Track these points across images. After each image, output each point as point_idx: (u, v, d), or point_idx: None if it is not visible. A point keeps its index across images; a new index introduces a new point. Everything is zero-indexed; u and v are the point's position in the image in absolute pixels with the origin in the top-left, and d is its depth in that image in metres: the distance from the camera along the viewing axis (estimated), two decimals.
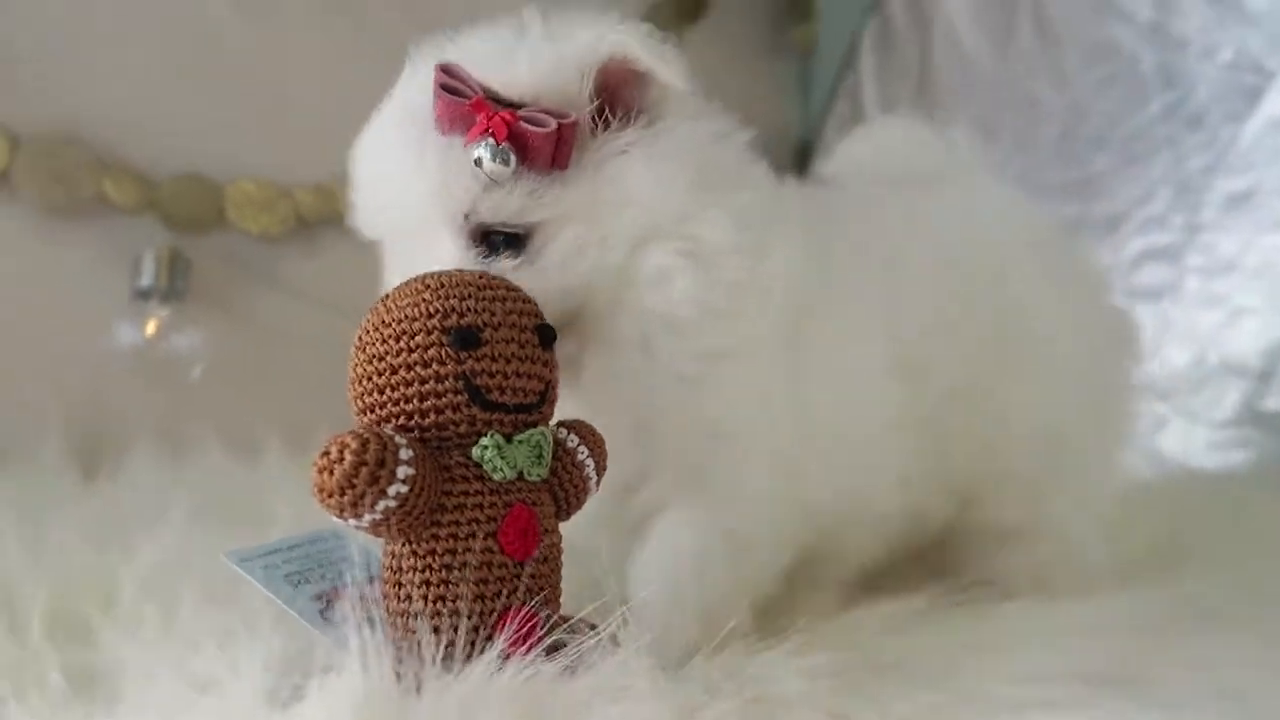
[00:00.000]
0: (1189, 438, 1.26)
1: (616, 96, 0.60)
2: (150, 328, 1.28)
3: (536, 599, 0.53)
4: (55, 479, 1.14)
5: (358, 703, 0.46)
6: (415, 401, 0.53)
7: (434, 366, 0.53)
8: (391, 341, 0.53)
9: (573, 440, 0.57)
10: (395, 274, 0.61)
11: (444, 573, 0.52)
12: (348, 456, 0.49)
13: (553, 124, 0.58)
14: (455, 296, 0.54)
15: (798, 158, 2.00)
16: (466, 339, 0.53)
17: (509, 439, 0.54)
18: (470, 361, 0.53)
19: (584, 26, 0.61)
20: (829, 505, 0.68)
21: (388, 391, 0.53)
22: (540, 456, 0.55)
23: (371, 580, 0.57)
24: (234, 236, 1.37)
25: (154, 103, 1.33)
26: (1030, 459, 0.79)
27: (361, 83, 0.66)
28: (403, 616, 0.52)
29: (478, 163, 0.57)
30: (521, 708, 0.46)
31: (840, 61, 1.86)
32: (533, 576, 0.53)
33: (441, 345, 0.53)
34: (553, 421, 0.57)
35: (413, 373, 0.53)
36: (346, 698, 0.47)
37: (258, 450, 1.28)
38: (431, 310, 0.53)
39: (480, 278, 0.56)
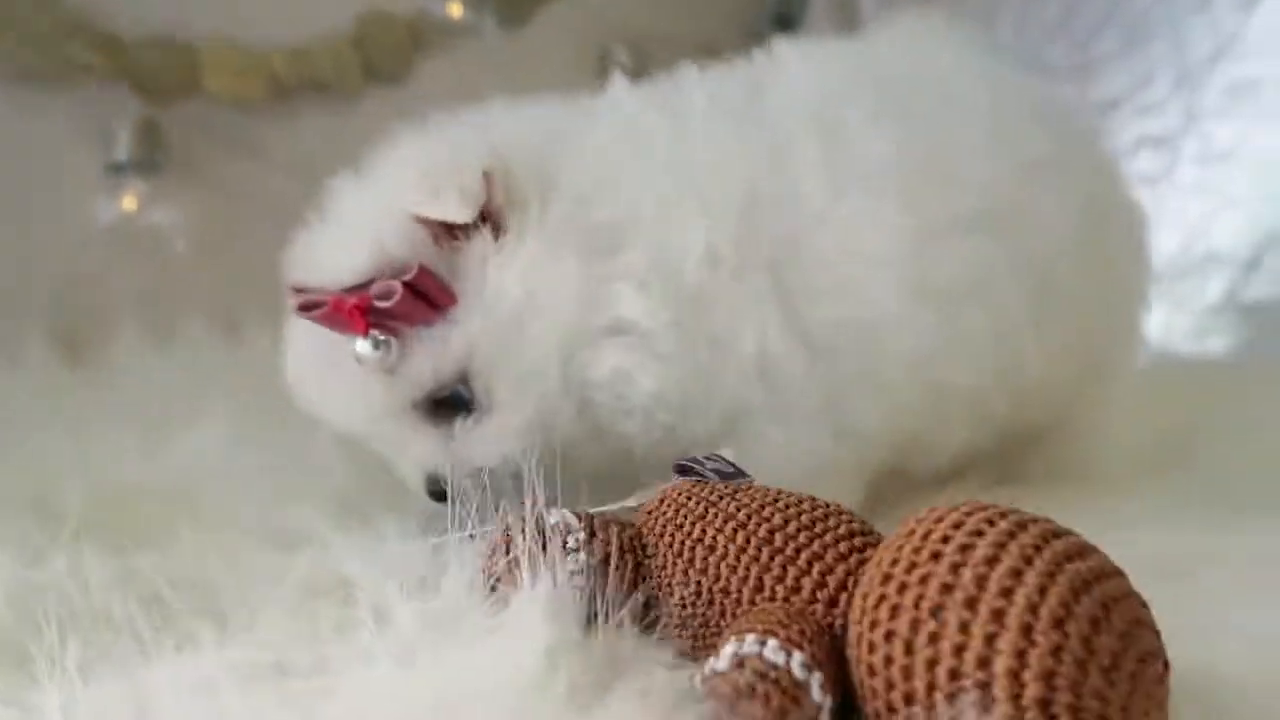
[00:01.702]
0: (1171, 324, 1.30)
1: (443, 231, 0.58)
2: (128, 203, 1.21)
3: None
4: (40, 368, 1.09)
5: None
6: None
7: None
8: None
9: None
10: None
11: None
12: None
13: (398, 287, 0.55)
14: None
15: (778, 30, 1.94)
16: None
17: None
18: None
19: (362, 194, 0.61)
20: (888, 432, 0.66)
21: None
22: None
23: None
24: (209, 105, 1.29)
25: None
26: (1095, 347, 0.77)
27: None
28: None
29: (360, 360, 0.56)
30: None
31: None
32: None
33: None
34: None
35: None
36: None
37: (241, 326, 1.25)
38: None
39: None
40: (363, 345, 0.56)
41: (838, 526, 0.42)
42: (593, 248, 0.59)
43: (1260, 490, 0.76)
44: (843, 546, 0.41)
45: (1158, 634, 0.34)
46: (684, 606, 0.42)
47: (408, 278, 0.56)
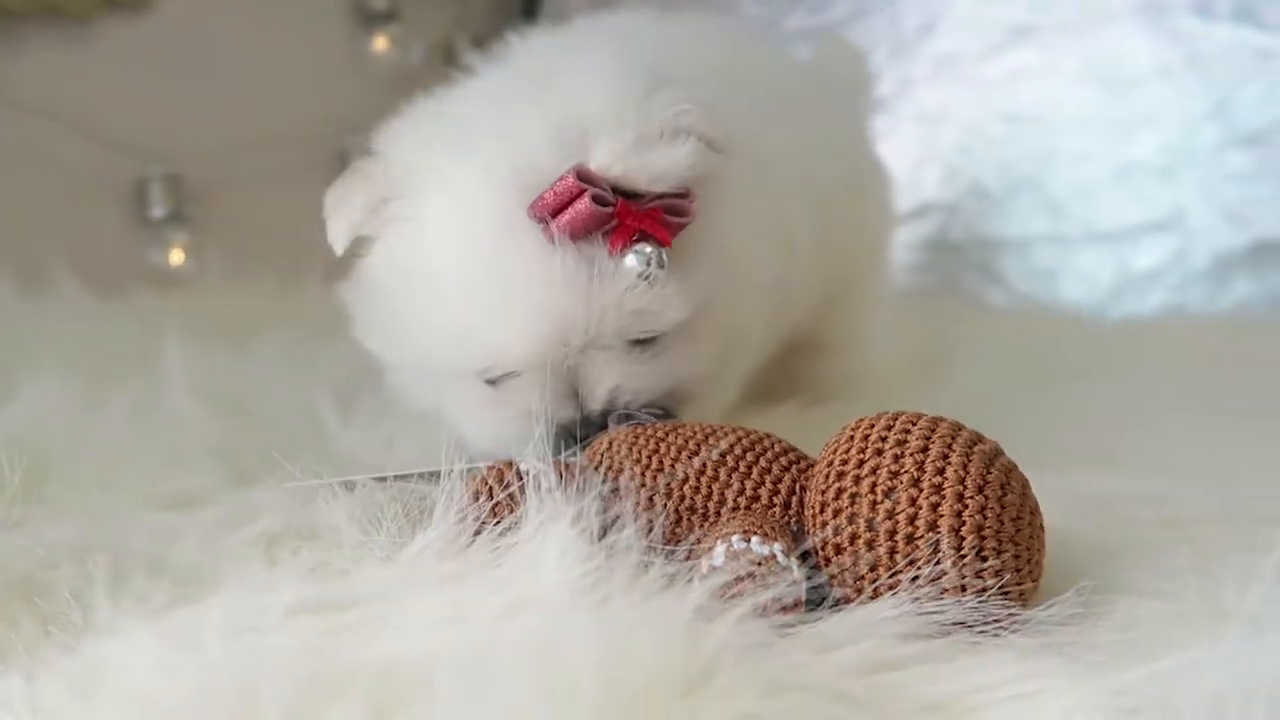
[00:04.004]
0: (894, 263, 1.52)
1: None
2: None
3: None
4: None
5: None
6: None
7: None
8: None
9: None
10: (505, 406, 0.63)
11: None
12: None
13: (691, 209, 0.59)
14: None
15: None
16: None
17: None
18: None
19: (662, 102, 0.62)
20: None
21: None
22: None
23: None
24: None
25: None
26: (855, 275, 0.92)
27: None
28: None
29: (642, 276, 0.58)
30: None
31: None
32: None
33: None
34: None
35: None
36: None
37: None
38: None
39: None
40: (642, 257, 0.58)
41: (772, 446, 0.51)
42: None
43: (991, 399, 0.96)
44: (783, 460, 0.50)
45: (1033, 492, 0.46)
46: (651, 527, 0.48)
47: (690, 202, 0.59)
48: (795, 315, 0.82)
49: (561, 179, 0.58)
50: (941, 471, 0.43)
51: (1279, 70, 1.29)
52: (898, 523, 0.43)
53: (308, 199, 0.68)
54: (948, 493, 0.43)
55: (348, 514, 0.50)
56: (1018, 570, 0.43)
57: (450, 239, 0.60)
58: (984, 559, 0.42)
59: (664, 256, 0.58)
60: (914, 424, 0.46)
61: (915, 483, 0.43)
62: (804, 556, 0.45)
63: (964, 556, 0.42)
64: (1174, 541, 0.57)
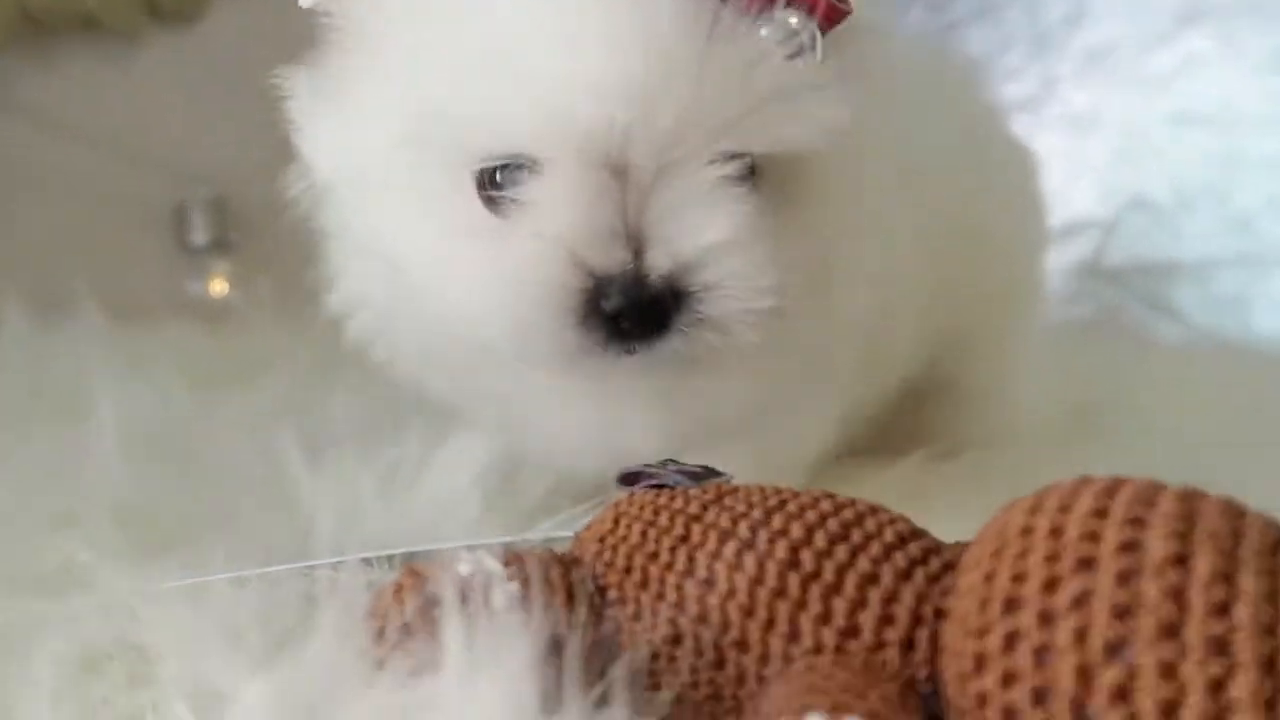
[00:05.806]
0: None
1: None
2: None
3: None
4: None
5: None
6: None
7: None
8: None
9: None
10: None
11: None
12: None
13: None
14: None
15: None
16: None
17: None
18: None
19: None
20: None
21: None
22: None
23: None
24: None
25: None
26: (996, 313, 0.72)
27: None
28: None
29: (801, 51, 0.38)
30: None
31: None
32: None
33: None
34: None
35: None
36: None
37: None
38: None
39: None
40: (783, 28, 0.39)
41: (881, 532, 0.29)
42: None
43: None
44: (899, 559, 0.28)
45: None
46: (678, 673, 0.28)
47: None
48: (903, 351, 0.64)
49: None
50: (1224, 610, 0.22)
51: None
52: (1140, 712, 0.21)
53: None
54: (1244, 655, 0.21)
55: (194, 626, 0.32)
56: None
57: None
58: None
59: (818, 38, 0.38)
60: (1151, 504, 0.24)
61: (1169, 631, 0.22)
62: None
63: None
64: None
